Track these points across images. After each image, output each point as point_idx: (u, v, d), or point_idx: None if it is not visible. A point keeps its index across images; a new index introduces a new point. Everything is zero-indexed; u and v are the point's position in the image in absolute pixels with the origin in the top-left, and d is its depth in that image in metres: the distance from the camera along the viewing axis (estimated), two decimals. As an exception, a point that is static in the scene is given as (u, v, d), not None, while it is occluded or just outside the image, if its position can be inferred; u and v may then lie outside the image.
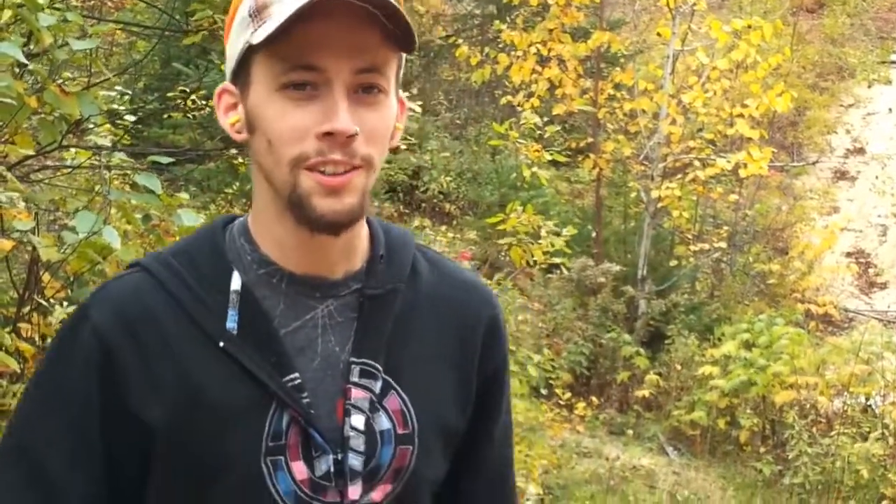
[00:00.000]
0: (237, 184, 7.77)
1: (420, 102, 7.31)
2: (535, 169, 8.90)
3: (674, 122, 10.14)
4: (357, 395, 1.28)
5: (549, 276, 10.26)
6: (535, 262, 7.67)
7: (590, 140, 11.23)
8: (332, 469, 1.26)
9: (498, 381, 1.43)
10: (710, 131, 10.35)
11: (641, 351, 9.13)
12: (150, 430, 1.23)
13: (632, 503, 6.81)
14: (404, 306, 1.34)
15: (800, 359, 8.08)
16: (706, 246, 10.61)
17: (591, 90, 10.84)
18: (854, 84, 16.33)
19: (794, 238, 11.87)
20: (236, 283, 1.28)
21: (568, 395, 8.29)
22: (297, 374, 1.26)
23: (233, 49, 1.28)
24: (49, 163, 4.01)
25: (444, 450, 1.35)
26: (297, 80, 1.20)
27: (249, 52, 1.24)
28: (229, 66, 1.29)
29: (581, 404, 8.30)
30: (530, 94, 10.47)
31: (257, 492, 1.22)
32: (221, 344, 1.24)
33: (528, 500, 6.05)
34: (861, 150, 14.77)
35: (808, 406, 8.01)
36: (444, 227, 11.55)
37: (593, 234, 10.87)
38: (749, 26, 9.72)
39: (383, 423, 1.30)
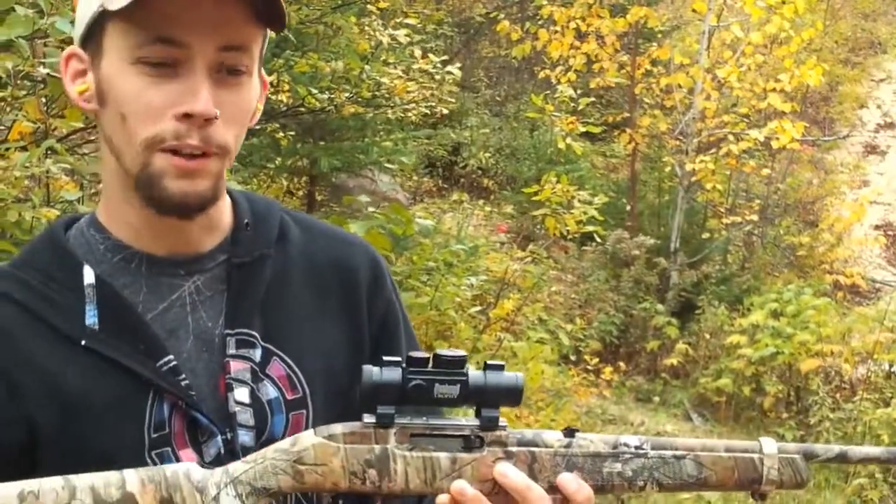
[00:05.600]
0: (279, 159, 8.03)
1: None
2: (569, 140, 9.11)
3: (708, 97, 10.26)
4: (237, 367, 1.24)
5: (584, 248, 10.46)
6: (568, 232, 7.91)
7: (626, 115, 11.39)
8: (222, 451, 1.21)
9: (391, 320, 1.39)
10: (744, 106, 10.47)
11: (673, 321, 9.30)
12: (18, 437, 1.17)
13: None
14: (276, 271, 1.30)
15: (826, 327, 8.22)
16: (738, 219, 10.72)
17: (629, 65, 10.99)
18: (885, 59, 16.25)
19: (824, 211, 11.94)
20: (89, 276, 1.22)
21: (596, 360, 8.52)
22: (170, 357, 1.21)
23: (83, 10, 1.20)
24: (94, 136, 4.29)
25: (342, 407, 1.25)
26: (155, 56, 1.15)
27: (103, 17, 1.16)
28: (78, 29, 1.22)
29: (608, 369, 8.52)
30: (567, 69, 10.63)
31: None
32: (84, 343, 1.19)
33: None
34: (891, 125, 14.69)
35: (832, 373, 8.17)
36: (481, 202, 11.77)
37: (628, 208, 11.05)
38: (783, 1, 9.81)
39: (270, 392, 1.25)
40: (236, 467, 1.14)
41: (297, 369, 1.27)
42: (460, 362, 1.15)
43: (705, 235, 10.75)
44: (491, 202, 11.90)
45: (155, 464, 1.16)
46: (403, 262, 6.80)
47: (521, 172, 11.82)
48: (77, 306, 1.20)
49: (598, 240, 9.57)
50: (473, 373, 1.16)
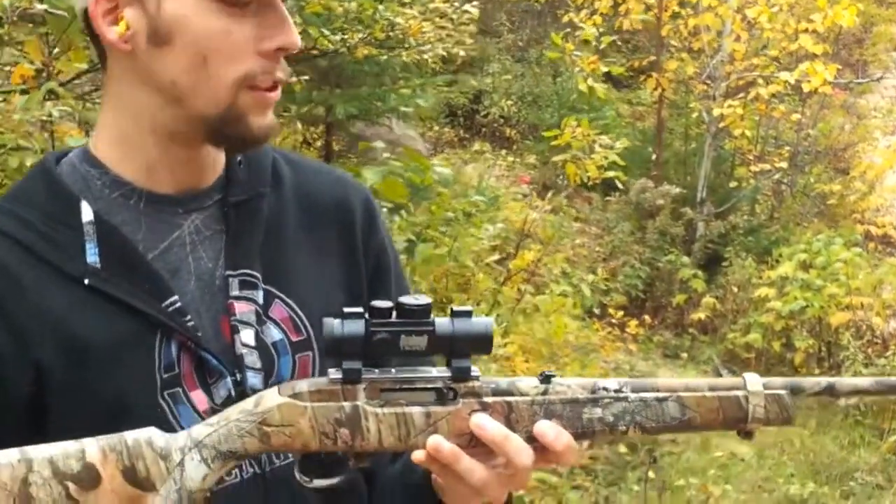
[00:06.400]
0: (294, 107, 7.81)
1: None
2: (590, 82, 8.81)
3: (738, 38, 9.97)
4: (241, 308, 1.21)
5: (608, 199, 10.23)
6: (589, 178, 7.66)
7: (652, 59, 11.06)
8: (232, 392, 1.18)
9: (384, 261, 1.37)
10: (775, 47, 10.15)
11: (699, 273, 9.11)
12: (26, 382, 1.14)
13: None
14: (272, 211, 1.27)
15: (856, 279, 8.01)
16: (767, 167, 10.46)
17: (655, 7, 10.66)
18: (922, -2, 15.79)
19: (855, 158, 11.62)
20: (87, 213, 1.17)
21: (620, 313, 8.32)
22: (176, 297, 1.18)
23: None
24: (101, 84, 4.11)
25: None
26: None
27: None
28: None
29: (633, 322, 8.33)
30: (593, 12, 10.34)
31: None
32: (87, 281, 1.15)
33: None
34: (927, 67, 14.30)
35: (863, 327, 7.98)
36: (503, 152, 11.53)
37: (653, 157, 10.79)
38: (816, -62, 9.46)
39: (274, 334, 1.23)
40: (199, 430, 1.11)
41: (299, 311, 1.25)
42: (424, 311, 1.10)
43: (733, 184, 10.51)
44: (513, 152, 11.64)
45: (168, 405, 1.16)
46: (422, 212, 6.60)
47: (543, 120, 11.55)
48: (76, 244, 1.16)
49: (621, 187, 9.31)
50: (440, 321, 1.11)
